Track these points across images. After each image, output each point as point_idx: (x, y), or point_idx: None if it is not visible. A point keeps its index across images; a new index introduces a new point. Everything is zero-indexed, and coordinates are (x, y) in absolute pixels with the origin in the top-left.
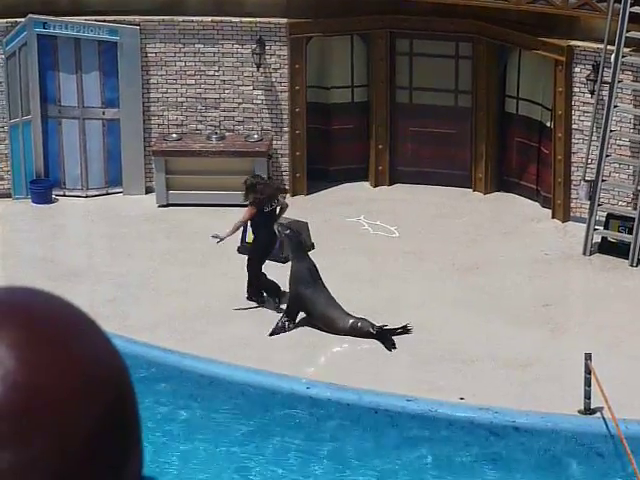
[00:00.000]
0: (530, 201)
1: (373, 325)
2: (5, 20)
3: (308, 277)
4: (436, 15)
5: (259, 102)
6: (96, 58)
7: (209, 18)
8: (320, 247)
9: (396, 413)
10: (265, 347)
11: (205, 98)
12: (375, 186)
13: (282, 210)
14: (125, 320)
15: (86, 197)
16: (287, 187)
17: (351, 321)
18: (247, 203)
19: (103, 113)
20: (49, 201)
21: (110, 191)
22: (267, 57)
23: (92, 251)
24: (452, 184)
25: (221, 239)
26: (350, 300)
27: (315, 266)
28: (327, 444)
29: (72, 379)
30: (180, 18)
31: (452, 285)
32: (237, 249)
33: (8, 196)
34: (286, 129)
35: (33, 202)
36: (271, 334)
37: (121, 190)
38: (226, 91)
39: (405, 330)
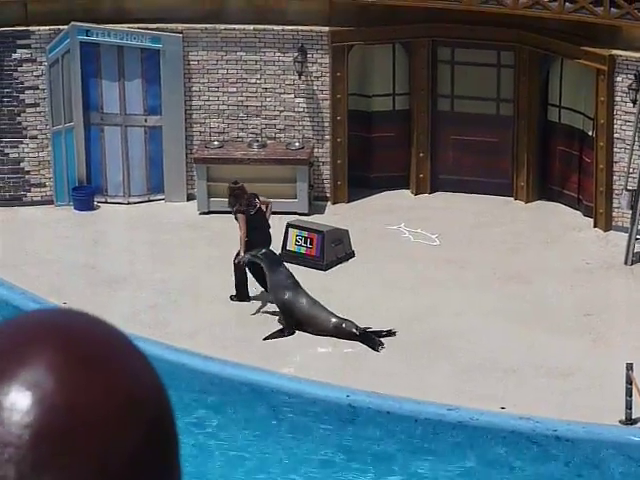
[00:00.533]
0: (572, 210)
1: (357, 327)
2: (48, 27)
3: (287, 284)
4: (478, 24)
5: (300, 110)
6: (139, 65)
7: (251, 26)
8: (361, 255)
9: (437, 422)
10: (305, 355)
11: (247, 106)
12: (416, 194)
13: (268, 207)
14: (166, 327)
15: (128, 204)
16: (327, 195)
17: (334, 321)
18: (233, 211)
19: (145, 120)
20: (91, 208)
21: (152, 198)
22: (309, 65)
23: (133, 258)
24: (493, 192)
25: (246, 258)
26: (390, 308)
27: (292, 274)
28: (368, 452)
29: (111, 400)
30: (222, 26)
31: (493, 294)
32: (279, 256)
33: (50, 203)
34: (327, 137)
35: (75, 209)
36: (266, 338)
37: (163, 197)
38: (268, 99)
39: (389, 333)
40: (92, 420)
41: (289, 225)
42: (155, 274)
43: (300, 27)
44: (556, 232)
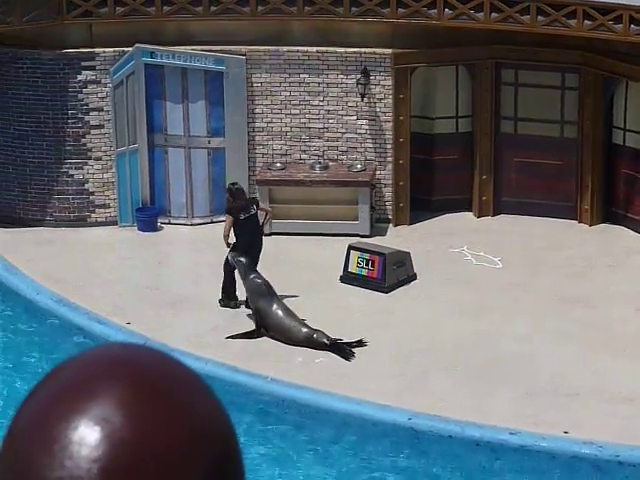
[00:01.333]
0: (636, 233)
1: (328, 337)
2: (113, 49)
3: (263, 291)
4: (542, 46)
5: (363, 132)
6: (202, 87)
7: (314, 48)
8: (422, 278)
9: (499, 446)
10: (366, 378)
11: (309, 128)
12: (479, 217)
13: (267, 216)
14: (227, 348)
15: (191, 225)
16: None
17: (305, 331)
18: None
19: (209, 142)
20: (155, 229)
21: (215, 219)
22: (371, 87)
23: (196, 279)
24: (557, 215)
25: (228, 257)
26: (452, 331)
27: (268, 282)
28: (429, 475)
29: (178, 435)
30: (285, 48)
31: (556, 318)
32: (340, 278)
33: (114, 223)
34: (390, 159)
35: (139, 230)
36: (232, 337)
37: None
38: (330, 121)
39: (360, 344)
40: (159, 455)
41: (351, 247)
42: (217, 295)
43: (363, 49)
44: (620, 256)
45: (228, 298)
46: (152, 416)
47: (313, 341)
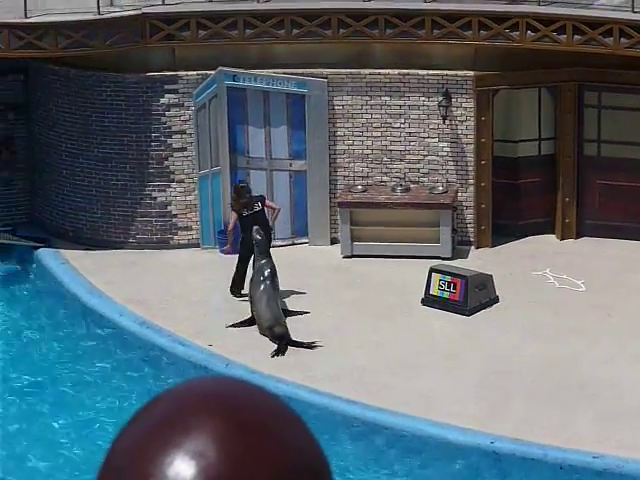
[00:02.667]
0: None
1: (285, 334)
2: (195, 73)
3: (266, 276)
4: (625, 67)
5: (444, 154)
6: (284, 110)
7: (396, 71)
8: (505, 300)
9: (582, 469)
10: (449, 401)
11: (390, 150)
12: (561, 239)
13: (275, 212)
14: (309, 371)
15: (272, 247)
16: None
17: (269, 323)
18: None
19: (290, 165)
20: (236, 251)
21: (296, 241)
22: (453, 109)
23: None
24: None
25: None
26: (535, 354)
27: (274, 268)
28: None
29: (273, 470)
30: (367, 71)
31: None
32: (421, 301)
33: (197, 245)
34: (471, 181)
35: (221, 252)
36: (232, 325)
37: (307, 240)
38: (411, 143)
39: (309, 346)
40: None
41: (432, 270)
42: (298, 317)
43: (445, 71)
44: None
45: (233, 290)
46: (247, 450)
47: (271, 333)
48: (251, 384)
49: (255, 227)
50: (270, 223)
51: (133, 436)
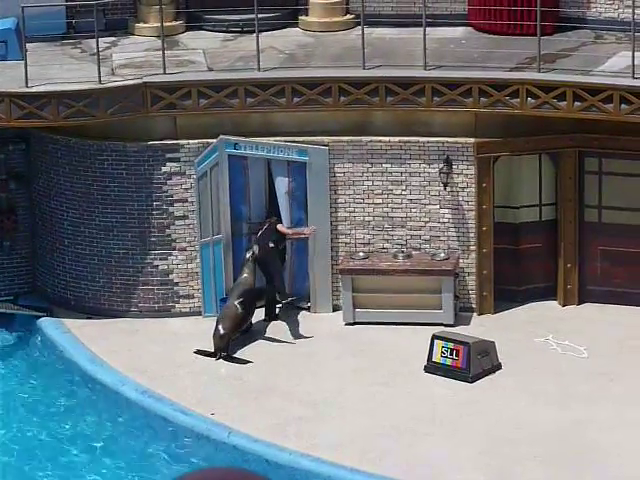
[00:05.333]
0: None
1: (223, 349)
2: (197, 141)
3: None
4: (625, 134)
5: (446, 221)
6: (285, 177)
7: (396, 138)
8: (507, 367)
9: None
10: (454, 468)
11: (392, 217)
12: (563, 305)
13: (270, 226)
14: (312, 439)
15: (275, 314)
16: (469, 305)
17: (222, 333)
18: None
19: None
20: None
21: (295, 303)
22: (454, 176)
23: (279, 369)
24: None
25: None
26: (538, 422)
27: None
28: None
29: None
30: (368, 138)
31: None
32: (424, 368)
33: (199, 314)
34: (473, 248)
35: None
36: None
37: (307, 306)
38: (413, 210)
39: (241, 361)
40: None
41: (435, 336)
42: (301, 385)
43: (445, 138)
44: None
45: (284, 295)
46: None
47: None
48: (254, 475)
49: (254, 247)
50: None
51: None
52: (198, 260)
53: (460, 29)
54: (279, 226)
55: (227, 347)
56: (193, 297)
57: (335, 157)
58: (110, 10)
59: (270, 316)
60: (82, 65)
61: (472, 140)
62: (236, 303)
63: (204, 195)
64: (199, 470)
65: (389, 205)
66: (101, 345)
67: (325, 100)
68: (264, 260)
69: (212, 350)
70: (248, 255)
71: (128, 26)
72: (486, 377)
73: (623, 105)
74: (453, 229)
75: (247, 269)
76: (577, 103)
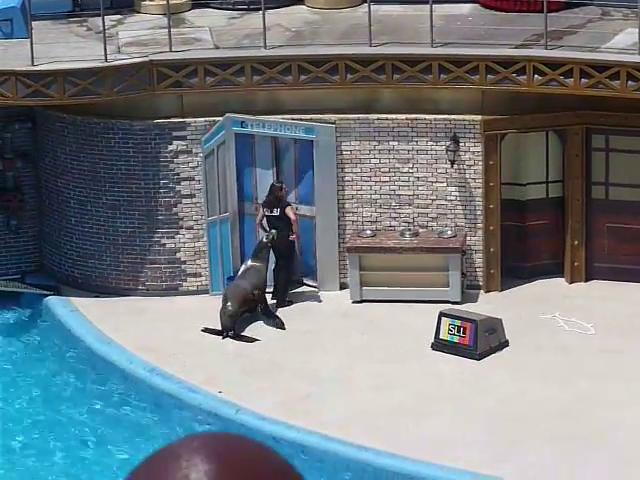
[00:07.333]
0: None
1: (229, 328)
2: (203, 119)
3: (262, 278)
4: (633, 111)
5: (453, 198)
6: (292, 156)
7: (403, 116)
8: (514, 344)
9: None
10: (461, 446)
11: (399, 195)
12: (570, 282)
13: (293, 227)
14: (319, 416)
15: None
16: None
17: (231, 314)
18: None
19: (297, 209)
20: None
21: (304, 280)
22: (461, 153)
23: (287, 346)
24: None
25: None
26: (545, 398)
27: (258, 275)
28: None
29: None
30: (375, 116)
31: None
32: (431, 346)
33: (206, 292)
34: (480, 225)
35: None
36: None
37: (315, 285)
38: (420, 188)
39: (248, 339)
40: None
41: (442, 314)
42: (308, 363)
43: (452, 116)
44: None
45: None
46: None
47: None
48: (245, 437)
49: (272, 231)
50: (289, 235)
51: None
52: (205, 238)
53: (467, 6)
54: (288, 210)
55: (234, 326)
56: (200, 275)
57: (342, 135)
58: None
59: (279, 301)
60: (88, 43)
61: (479, 117)
62: (249, 287)
63: (211, 173)
64: (194, 435)
65: (396, 183)
66: (108, 323)
67: (332, 78)
68: (279, 246)
69: (219, 328)
70: (265, 239)
71: (134, 4)
72: (493, 354)
73: (630, 82)
74: (460, 207)
75: (263, 254)
76: (584, 80)
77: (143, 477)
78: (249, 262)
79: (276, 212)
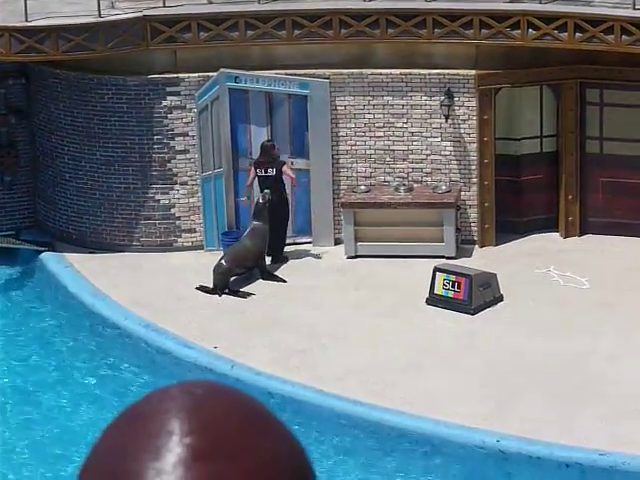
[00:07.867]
0: None
1: (224, 286)
2: (197, 74)
3: (265, 238)
4: (627, 65)
5: (447, 153)
6: (286, 111)
7: (397, 71)
8: (509, 299)
9: (588, 467)
10: (454, 399)
11: (393, 150)
12: (565, 237)
13: (292, 183)
14: (314, 371)
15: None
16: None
17: (224, 269)
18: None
19: (292, 164)
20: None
21: (297, 241)
22: (455, 108)
23: (282, 302)
24: None
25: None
26: (540, 352)
27: (267, 231)
28: None
29: (245, 469)
30: (369, 71)
31: None
32: (425, 300)
33: (200, 248)
34: (474, 180)
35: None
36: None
37: (309, 241)
38: (414, 143)
39: (243, 294)
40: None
41: (436, 269)
42: (303, 318)
43: (446, 71)
44: None
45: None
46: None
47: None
48: (232, 389)
49: (265, 191)
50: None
51: (112, 434)
52: (199, 194)
53: None
54: (285, 168)
55: (227, 285)
56: (195, 231)
57: (336, 90)
58: None
59: (275, 257)
60: None
61: (473, 72)
62: (250, 246)
63: (205, 129)
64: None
65: (390, 138)
66: (103, 279)
67: (326, 32)
68: (274, 206)
69: (212, 287)
70: (262, 200)
71: None
72: (488, 309)
73: (624, 36)
74: (454, 162)
75: (264, 214)
76: (578, 34)
77: (105, 453)
78: (253, 222)
79: (272, 172)
